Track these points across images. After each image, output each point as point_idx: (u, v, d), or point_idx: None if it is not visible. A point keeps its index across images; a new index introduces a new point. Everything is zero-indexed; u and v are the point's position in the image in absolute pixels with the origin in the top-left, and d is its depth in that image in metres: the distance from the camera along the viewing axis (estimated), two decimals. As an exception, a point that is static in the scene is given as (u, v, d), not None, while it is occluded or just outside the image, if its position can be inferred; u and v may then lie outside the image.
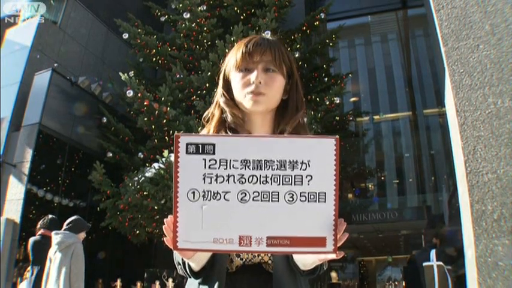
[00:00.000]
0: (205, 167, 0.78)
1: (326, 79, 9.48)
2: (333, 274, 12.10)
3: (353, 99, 13.55)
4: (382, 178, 13.85)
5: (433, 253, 5.83)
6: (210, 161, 0.78)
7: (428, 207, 11.76)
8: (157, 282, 7.68)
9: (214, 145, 0.79)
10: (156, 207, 7.19)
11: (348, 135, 10.20)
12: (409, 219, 11.54)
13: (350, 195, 13.26)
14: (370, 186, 13.83)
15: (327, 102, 8.16)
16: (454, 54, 4.10)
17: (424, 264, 5.95)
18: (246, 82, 1.06)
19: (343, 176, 10.18)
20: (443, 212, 11.17)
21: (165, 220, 0.82)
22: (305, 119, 1.21)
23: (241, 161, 0.78)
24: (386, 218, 11.37)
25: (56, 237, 4.36)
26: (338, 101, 8.41)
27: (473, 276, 3.49)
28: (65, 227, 4.51)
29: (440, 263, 5.68)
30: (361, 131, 12.68)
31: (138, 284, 8.16)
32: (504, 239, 3.42)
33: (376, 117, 13.47)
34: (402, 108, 13.70)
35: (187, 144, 0.79)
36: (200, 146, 0.79)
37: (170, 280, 7.40)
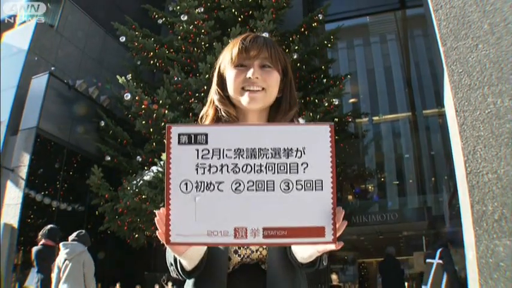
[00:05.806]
0: (198, 157, 0.76)
1: (325, 80, 9.44)
2: (334, 276, 12.05)
3: (352, 100, 13.50)
4: (382, 179, 13.80)
5: (438, 252, 5.95)
6: (202, 151, 0.76)
7: (428, 208, 11.72)
8: (157, 286, 7.66)
9: (206, 135, 0.77)
10: (154, 211, 7.15)
11: (347, 137, 10.16)
12: (410, 220, 11.51)
13: (350, 197, 13.20)
14: (370, 187, 13.77)
15: (326, 104, 8.12)
16: (453, 54, 4.07)
17: (427, 260, 6.14)
18: (243, 79, 1.04)
19: (343, 177, 10.14)
20: (443, 213, 11.13)
21: (156, 212, 0.79)
22: (301, 120, 1.19)
23: (234, 150, 0.76)
24: (386, 220, 11.33)
25: (64, 248, 4.65)
26: (337, 103, 8.36)
27: (475, 278, 3.45)
28: (73, 238, 4.74)
29: (440, 261, 5.78)
30: (361, 132, 12.63)
31: (137, 287, 8.13)
32: (505, 239, 3.38)
33: (375, 118, 13.42)
34: (402, 109, 13.65)
35: (179, 135, 0.77)
36: (192, 136, 0.77)
37: (169, 284, 7.35)
